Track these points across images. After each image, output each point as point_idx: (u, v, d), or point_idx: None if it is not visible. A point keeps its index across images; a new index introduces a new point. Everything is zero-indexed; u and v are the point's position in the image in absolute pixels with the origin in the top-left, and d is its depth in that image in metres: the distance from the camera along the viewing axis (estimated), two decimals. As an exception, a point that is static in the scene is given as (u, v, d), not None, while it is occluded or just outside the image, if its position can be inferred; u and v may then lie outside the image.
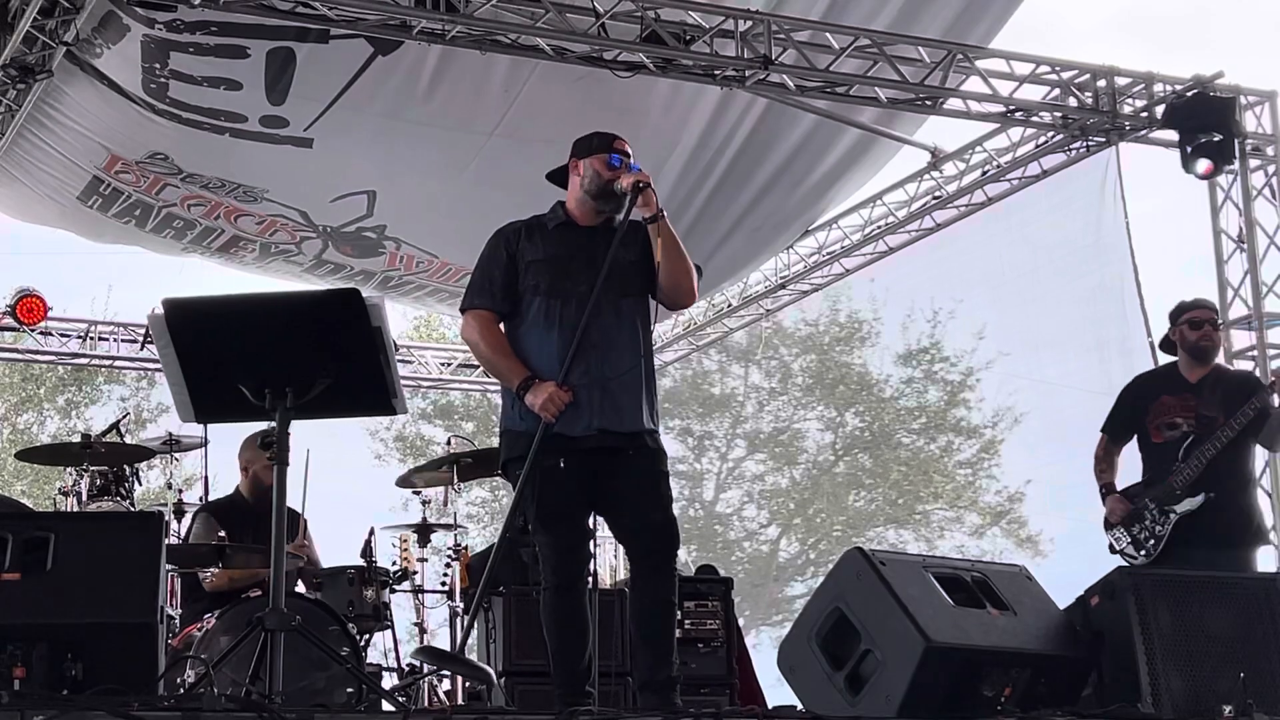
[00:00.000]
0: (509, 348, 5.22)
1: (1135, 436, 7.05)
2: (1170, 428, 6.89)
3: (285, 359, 4.64)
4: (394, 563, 7.86)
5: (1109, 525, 6.99)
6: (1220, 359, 7.29)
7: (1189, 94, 9.42)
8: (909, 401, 22.06)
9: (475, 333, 5.29)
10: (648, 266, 5.21)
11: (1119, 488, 6.96)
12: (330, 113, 8.82)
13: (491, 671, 4.99)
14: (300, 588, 7.10)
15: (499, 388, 5.46)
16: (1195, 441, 6.80)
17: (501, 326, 5.30)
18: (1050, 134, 9.95)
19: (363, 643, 6.95)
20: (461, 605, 7.68)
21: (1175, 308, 7.15)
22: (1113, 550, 6.94)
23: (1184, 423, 6.88)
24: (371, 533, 7.59)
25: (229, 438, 7.54)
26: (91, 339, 12.28)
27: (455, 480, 7.92)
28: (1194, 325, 7.00)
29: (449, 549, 7.87)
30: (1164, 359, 7.38)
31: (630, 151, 5.35)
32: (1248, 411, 6.73)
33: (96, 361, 12.99)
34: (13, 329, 11.76)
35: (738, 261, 11.48)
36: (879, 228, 11.49)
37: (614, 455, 5.10)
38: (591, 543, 5.30)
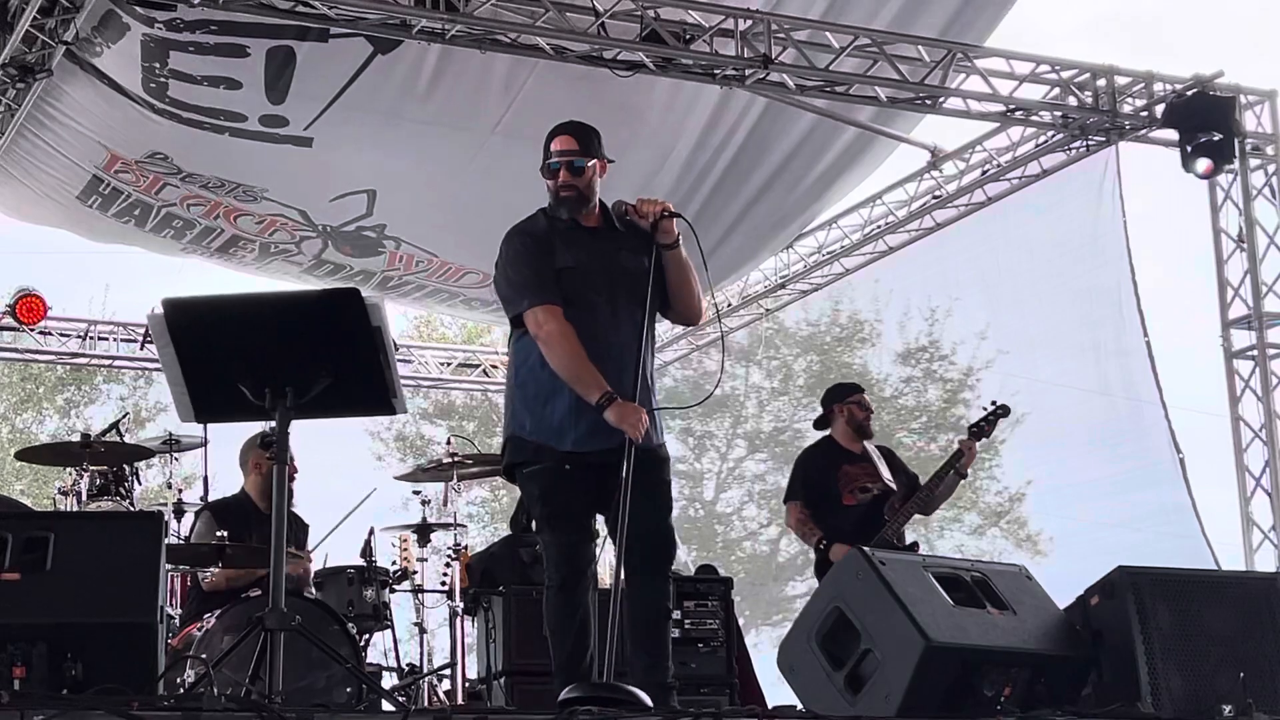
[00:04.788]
0: (586, 354, 5.04)
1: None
2: (863, 491, 7.68)
3: (285, 359, 4.64)
4: (394, 562, 7.87)
5: None
6: None
7: (1189, 93, 9.43)
8: (909, 401, 22.03)
9: (555, 330, 5.04)
10: (657, 277, 5.17)
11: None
12: (330, 112, 8.82)
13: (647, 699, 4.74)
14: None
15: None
16: (880, 501, 7.64)
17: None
18: (1050, 133, 9.96)
19: (363, 643, 6.95)
20: (461, 605, 7.69)
21: (838, 390, 8.11)
22: None
23: (874, 487, 7.69)
24: (371, 532, 7.60)
25: (229, 438, 7.54)
26: (91, 339, 12.30)
27: (455, 479, 7.95)
28: (862, 406, 7.89)
29: (449, 549, 7.88)
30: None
31: (578, 144, 5.19)
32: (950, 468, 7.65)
33: (96, 361, 13.02)
34: (12, 329, 11.76)
35: (737, 261, 11.48)
36: (879, 227, 11.49)
37: (620, 464, 5.05)
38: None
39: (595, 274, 5.15)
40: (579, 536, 5.15)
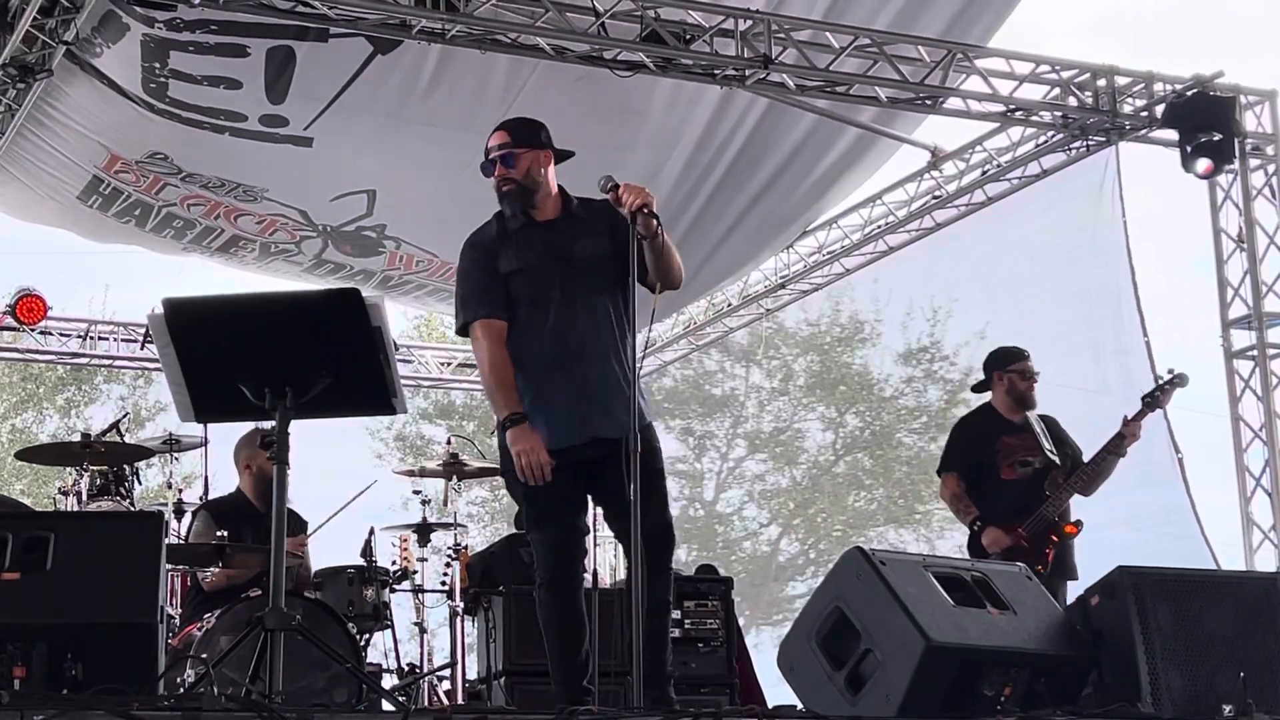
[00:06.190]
0: (511, 375, 5.11)
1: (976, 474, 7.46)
2: (1023, 465, 7.39)
3: (285, 359, 4.64)
4: (394, 562, 7.86)
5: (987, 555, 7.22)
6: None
7: (1189, 93, 9.42)
8: (909, 401, 22.03)
9: (484, 348, 5.15)
10: (620, 258, 5.10)
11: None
12: (330, 112, 8.82)
13: None
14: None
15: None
16: (1040, 475, 7.35)
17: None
18: (1050, 134, 9.95)
19: (363, 643, 6.95)
20: (461, 605, 7.69)
21: (999, 356, 7.66)
22: None
23: (1035, 460, 7.39)
24: (371, 532, 7.60)
25: (228, 437, 7.54)
26: (91, 339, 12.30)
27: (456, 479, 7.95)
28: (1025, 375, 7.52)
29: (449, 548, 7.88)
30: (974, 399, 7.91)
31: (510, 137, 5.27)
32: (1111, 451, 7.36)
33: (96, 361, 13.02)
34: (13, 329, 11.76)
35: (738, 261, 11.48)
36: (879, 227, 11.48)
37: (610, 456, 5.04)
38: (588, 540, 5.31)
39: (547, 272, 5.16)
40: (566, 535, 5.17)
